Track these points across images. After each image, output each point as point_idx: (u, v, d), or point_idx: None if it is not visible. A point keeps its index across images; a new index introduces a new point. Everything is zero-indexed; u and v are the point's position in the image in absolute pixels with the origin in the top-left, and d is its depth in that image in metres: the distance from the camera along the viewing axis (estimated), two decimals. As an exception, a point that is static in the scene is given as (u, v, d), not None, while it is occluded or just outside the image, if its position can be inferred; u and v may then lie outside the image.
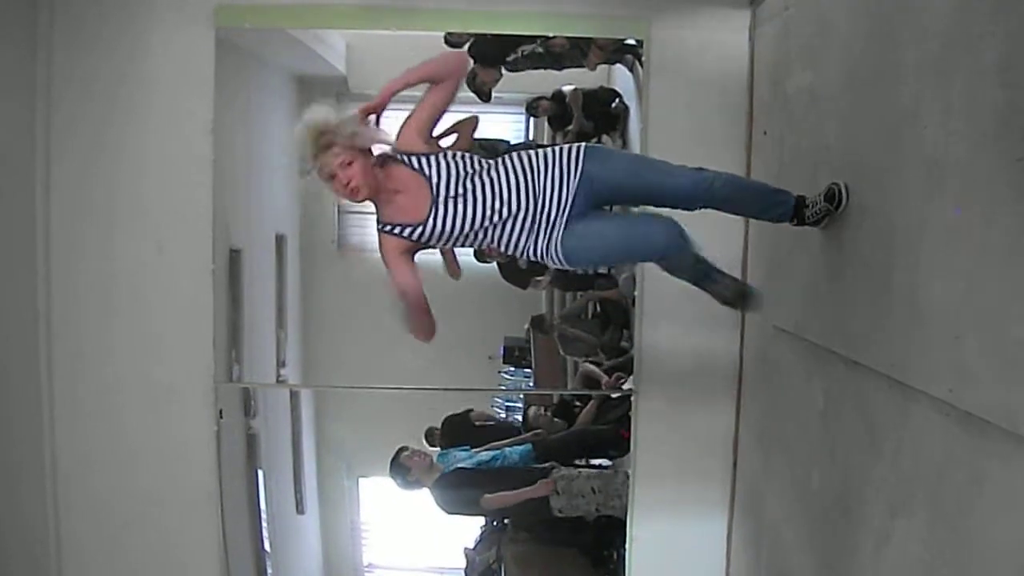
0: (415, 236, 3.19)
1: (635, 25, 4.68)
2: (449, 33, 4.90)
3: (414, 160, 3.18)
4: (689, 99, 4.69)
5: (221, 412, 4.75)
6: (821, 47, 3.64)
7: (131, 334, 4.66)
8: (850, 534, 3.14)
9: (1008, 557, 2.17)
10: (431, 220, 3.15)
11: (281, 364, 5.56)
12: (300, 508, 5.86)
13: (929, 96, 2.64)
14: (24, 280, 4.47)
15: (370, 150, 3.16)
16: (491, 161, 3.23)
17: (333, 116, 3.12)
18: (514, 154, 3.26)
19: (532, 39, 4.95)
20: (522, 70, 5.17)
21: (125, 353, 4.67)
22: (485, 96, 5.07)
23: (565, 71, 5.18)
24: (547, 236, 3.21)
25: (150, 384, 4.68)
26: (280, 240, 5.51)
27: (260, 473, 5.51)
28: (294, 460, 5.81)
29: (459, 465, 5.24)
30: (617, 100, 5.28)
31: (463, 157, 3.22)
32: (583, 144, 3.28)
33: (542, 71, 5.17)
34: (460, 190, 3.15)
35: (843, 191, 3.19)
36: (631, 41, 4.85)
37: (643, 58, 4.70)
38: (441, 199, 3.15)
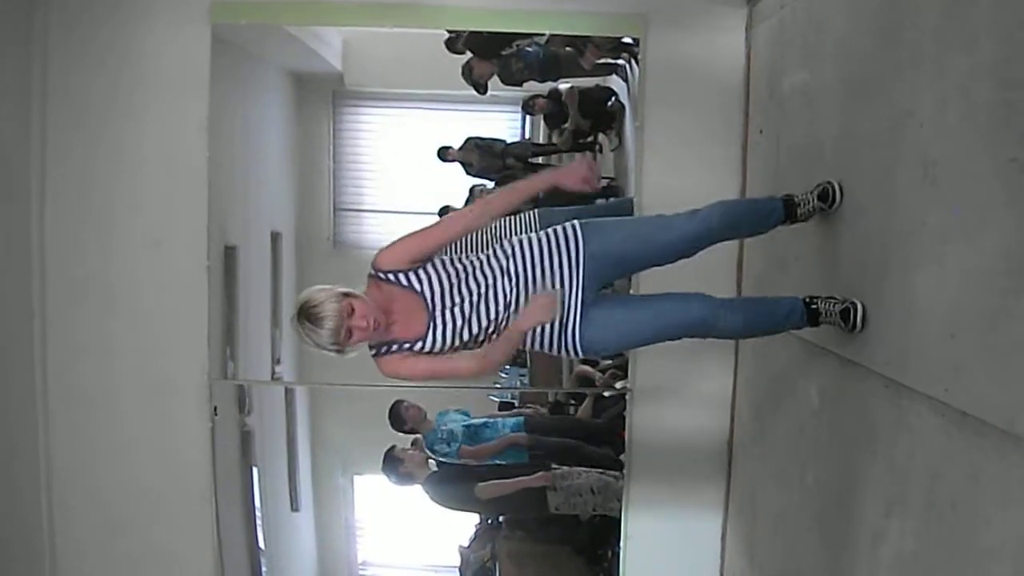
0: (416, 349, 3.09)
1: (631, 23, 4.67)
2: (450, 37, 4.92)
3: (401, 277, 3.05)
4: (685, 97, 4.68)
5: (216, 409, 4.74)
6: (817, 45, 3.64)
7: (126, 331, 4.65)
8: (846, 533, 3.14)
9: (1004, 555, 2.17)
10: (431, 335, 3.05)
11: (276, 361, 5.54)
12: (295, 505, 5.85)
13: (924, 95, 2.64)
14: (19, 276, 4.46)
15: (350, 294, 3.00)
16: (480, 257, 3.12)
17: (305, 296, 2.98)
18: (505, 244, 3.15)
19: (528, 35, 4.95)
20: (520, 82, 5.17)
21: (120, 350, 4.66)
22: (482, 89, 5.06)
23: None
24: (561, 329, 3.12)
25: (145, 381, 4.68)
26: (275, 237, 5.51)
27: (255, 470, 5.50)
28: (289, 457, 5.80)
29: (447, 457, 5.23)
30: (613, 98, 5.28)
31: (451, 262, 3.09)
32: (576, 224, 3.17)
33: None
34: (457, 299, 3.05)
35: (836, 190, 3.19)
36: (627, 39, 4.85)
37: (639, 56, 4.69)
38: (438, 312, 3.04)
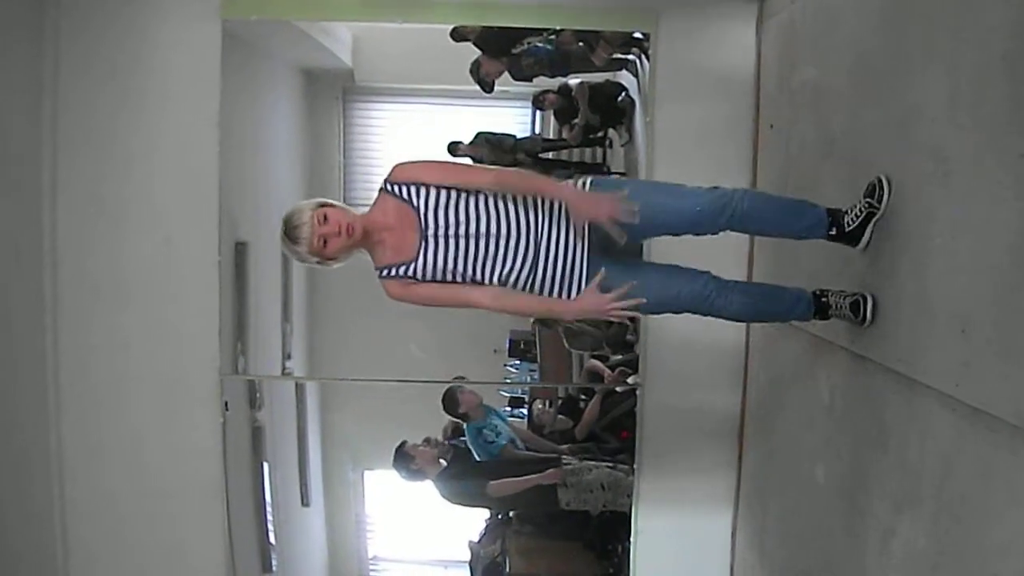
0: (410, 274, 3.03)
1: (642, 18, 4.66)
2: (455, 29, 4.91)
3: (403, 189, 3.01)
4: (696, 92, 4.67)
5: (226, 404, 4.75)
6: (828, 40, 3.63)
7: (137, 326, 4.66)
8: (856, 528, 3.13)
9: (1015, 552, 2.17)
10: (421, 257, 3.00)
11: (287, 356, 5.57)
12: (305, 501, 5.87)
13: (936, 89, 2.63)
14: (31, 272, 4.47)
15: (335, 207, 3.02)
16: (488, 193, 3.03)
17: (287, 212, 3.01)
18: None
19: (538, 31, 4.94)
20: (530, 77, 5.17)
21: (131, 345, 4.67)
22: (488, 87, 5.06)
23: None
24: (566, 284, 3.06)
25: (156, 376, 4.69)
26: (286, 233, 5.51)
27: (265, 465, 5.52)
28: (299, 453, 5.82)
29: (489, 448, 5.27)
30: (623, 94, 5.27)
31: (458, 189, 3.02)
32: (589, 179, 3.09)
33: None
34: (451, 221, 2.98)
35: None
36: (638, 34, 4.84)
37: (650, 51, 4.68)
38: (431, 233, 2.99)
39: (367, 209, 3.10)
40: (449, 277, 3.05)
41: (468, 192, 3.02)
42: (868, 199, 2.94)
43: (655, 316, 3.34)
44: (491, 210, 3.01)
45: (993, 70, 2.31)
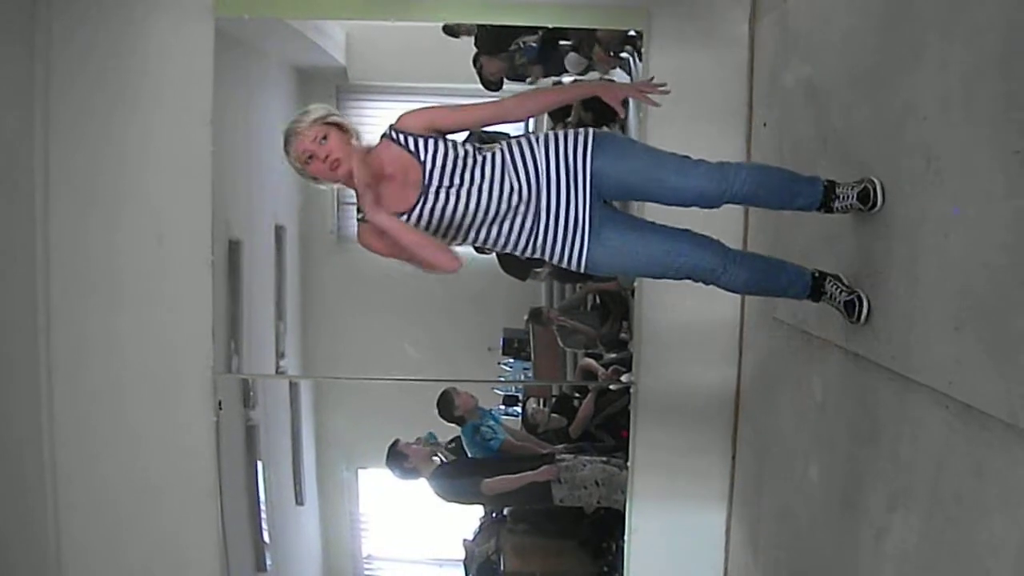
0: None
1: (634, 16, 4.66)
2: (447, 24, 4.91)
3: (409, 140, 2.96)
4: (688, 91, 4.63)
5: (220, 403, 4.74)
6: (821, 38, 3.63)
7: (130, 325, 4.66)
8: (849, 526, 3.14)
9: (1008, 549, 2.17)
10: (418, 209, 2.94)
11: (280, 355, 5.56)
12: (299, 499, 5.87)
13: (928, 88, 2.63)
14: (23, 271, 4.46)
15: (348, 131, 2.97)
16: (492, 151, 3.00)
17: (305, 108, 2.97)
18: (514, 143, 3.04)
19: (534, 30, 4.94)
20: (524, 76, 5.17)
21: (124, 344, 4.67)
22: (495, 86, 5.06)
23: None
24: (568, 243, 3.01)
25: (149, 375, 4.68)
26: (279, 231, 5.51)
27: (259, 464, 5.51)
28: (293, 451, 5.81)
29: (487, 446, 5.28)
30: (616, 92, 5.27)
31: (463, 144, 3.00)
32: (591, 133, 3.03)
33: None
34: (456, 180, 2.92)
35: (878, 192, 2.92)
36: (631, 32, 4.84)
37: (642, 49, 4.68)
38: (432, 188, 2.92)
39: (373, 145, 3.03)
40: (442, 233, 2.99)
41: (477, 152, 2.98)
42: (860, 204, 2.93)
43: (656, 280, 3.25)
44: (497, 171, 2.96)
45: (985, 68, 2.32)
